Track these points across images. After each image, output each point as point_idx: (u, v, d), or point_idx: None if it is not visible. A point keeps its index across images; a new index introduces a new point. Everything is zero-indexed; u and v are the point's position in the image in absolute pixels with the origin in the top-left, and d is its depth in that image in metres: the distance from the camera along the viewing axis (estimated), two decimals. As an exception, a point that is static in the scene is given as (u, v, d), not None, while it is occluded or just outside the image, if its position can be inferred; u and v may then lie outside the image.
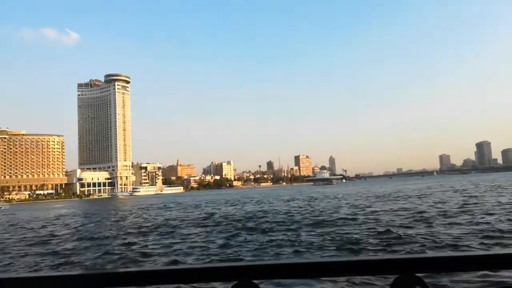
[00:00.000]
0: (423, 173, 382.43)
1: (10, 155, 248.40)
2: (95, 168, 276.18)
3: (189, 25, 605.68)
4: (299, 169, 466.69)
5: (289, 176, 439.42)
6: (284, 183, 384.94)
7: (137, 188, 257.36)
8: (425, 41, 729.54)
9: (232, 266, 1.42)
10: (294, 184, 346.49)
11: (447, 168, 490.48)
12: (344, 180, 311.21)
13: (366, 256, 4.07)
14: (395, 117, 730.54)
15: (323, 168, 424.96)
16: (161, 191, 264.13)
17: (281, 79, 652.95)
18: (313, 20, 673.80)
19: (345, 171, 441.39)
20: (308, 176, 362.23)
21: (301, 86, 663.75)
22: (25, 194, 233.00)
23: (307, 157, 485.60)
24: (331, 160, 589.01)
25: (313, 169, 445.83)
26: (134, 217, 47.04)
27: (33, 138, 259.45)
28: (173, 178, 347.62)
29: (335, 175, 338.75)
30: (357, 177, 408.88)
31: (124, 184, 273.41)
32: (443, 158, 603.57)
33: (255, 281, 1.33)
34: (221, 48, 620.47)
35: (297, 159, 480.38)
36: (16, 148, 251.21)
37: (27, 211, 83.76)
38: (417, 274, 1.29)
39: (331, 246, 17.30)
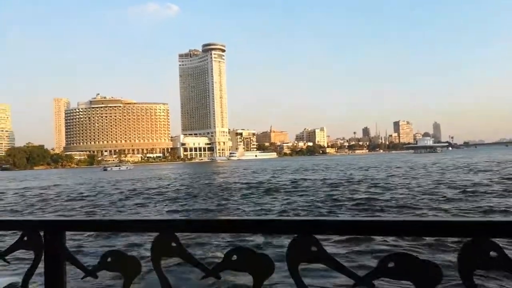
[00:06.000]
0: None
1: (124, 122, 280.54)
2: (196, 134, 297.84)
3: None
4: (399, 136, 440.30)
5: (387, 143, 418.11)
6: (381, 151, 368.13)
7: (233, 153, 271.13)
8: None
9: (293, 219, 1.49)
10: (393, 151, 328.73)
11: None
12: (450, 148, 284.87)
13: (434, 217, 3.94)
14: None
15: (426, 134, 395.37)
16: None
17: (381, 42, 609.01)
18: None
19: (452, 138, 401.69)
20: (409, 143, 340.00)
21: (401, 45, 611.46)
22: (137, 157, 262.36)
23: (407, 123, 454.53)
24: (436, 126, 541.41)
25: (414, 135, 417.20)
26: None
27: (143, 106, 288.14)
28: (267, 144, 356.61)
29: (440, 142, 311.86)
30: (466, 144, 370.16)
31: (222, 149, 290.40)
32: None
33: (316, 236, 1.31)
34: (321, 16, 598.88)
35: (396, 125, 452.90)
36: (129, 116, 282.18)
37: (145, 171, 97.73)
38: (492, 239, 1.15)
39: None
